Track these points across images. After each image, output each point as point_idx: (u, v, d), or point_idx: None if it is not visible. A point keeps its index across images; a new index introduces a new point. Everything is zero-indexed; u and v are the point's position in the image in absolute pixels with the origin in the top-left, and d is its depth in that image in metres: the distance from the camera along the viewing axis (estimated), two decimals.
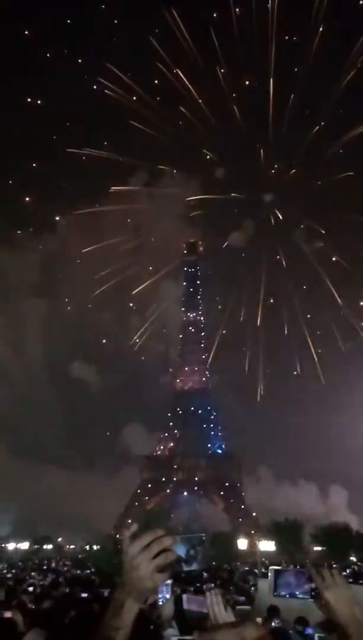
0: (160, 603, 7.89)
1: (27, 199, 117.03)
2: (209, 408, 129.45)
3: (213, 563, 48.23)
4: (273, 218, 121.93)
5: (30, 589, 17.38)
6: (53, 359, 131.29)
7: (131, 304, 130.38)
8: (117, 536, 69.16)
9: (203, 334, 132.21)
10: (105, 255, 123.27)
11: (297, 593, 4.98)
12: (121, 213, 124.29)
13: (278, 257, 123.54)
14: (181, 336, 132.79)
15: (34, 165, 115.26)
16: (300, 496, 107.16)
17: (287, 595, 5.03)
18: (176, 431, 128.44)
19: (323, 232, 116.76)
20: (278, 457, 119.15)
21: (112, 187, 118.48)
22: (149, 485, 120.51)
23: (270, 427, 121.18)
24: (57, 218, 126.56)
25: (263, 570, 32.70)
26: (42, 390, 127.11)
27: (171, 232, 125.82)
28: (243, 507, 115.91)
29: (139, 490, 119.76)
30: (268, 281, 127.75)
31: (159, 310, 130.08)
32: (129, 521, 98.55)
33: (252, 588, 15.50)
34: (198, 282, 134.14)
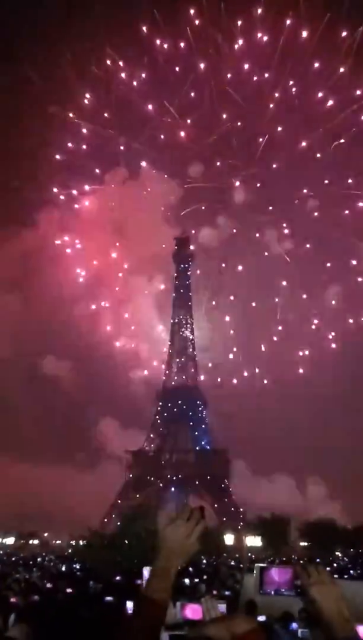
0: None
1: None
2: (197, 403, 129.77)
3: (202, 558, 48.52)
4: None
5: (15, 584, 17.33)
6: (25, 354, 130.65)
7: (104, 302, 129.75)
8: (104, 529, 69.20)
9: (192, 329, 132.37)
10: (84, 249, 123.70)
11: (283, 590, 5.00)
12: (100, 209, 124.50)
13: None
14: (170, 332, 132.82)
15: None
16: (278, 490, 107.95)
17: (272, 592, 5.05)
18: (163, 427, 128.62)
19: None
20: (251, 451, 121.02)
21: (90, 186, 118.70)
22: (137, 481, 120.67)
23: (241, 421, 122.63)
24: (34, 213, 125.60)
25: (248, 565, 32.97)
26: (14, 387, 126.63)
27: (150, 228, 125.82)
28: (230, 502, 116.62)
29: (126, 486, 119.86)
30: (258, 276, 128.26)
31: (133, 306, 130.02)
32: (116, 515, 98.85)
33: (237, 585, 15.60)
34: (189, 278, 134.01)
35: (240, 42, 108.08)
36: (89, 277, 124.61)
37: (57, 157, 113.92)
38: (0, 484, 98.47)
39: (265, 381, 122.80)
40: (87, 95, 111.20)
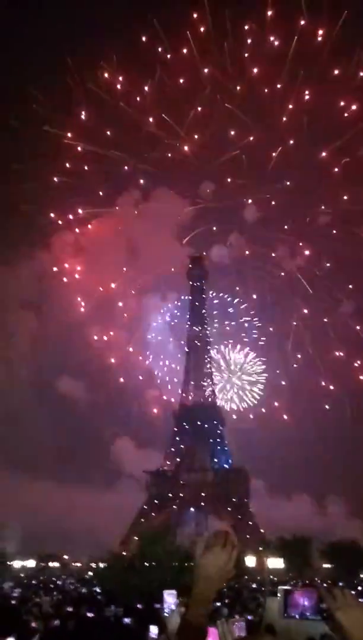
0: (165, 614, 7.69)
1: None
2: (215, 422, 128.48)
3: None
4: None
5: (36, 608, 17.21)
6: (41, 374, 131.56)
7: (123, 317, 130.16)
8: (123, 553, 68.26)
9: (208, 347, 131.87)
10: (96, 271, 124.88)
11: (308, 614, 4.88)
12: (113, 229, 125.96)
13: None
14: (186, 350, 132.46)
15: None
16: (296, 509, 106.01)
17: (297, 616, 4.93)
18: (180, 446, 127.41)
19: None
20: (269, 471, 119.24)
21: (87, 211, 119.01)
22: (155, 501, 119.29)
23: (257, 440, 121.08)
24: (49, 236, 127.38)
25: (270, 588, 32.21)
26: (31, 407, 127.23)
27: (162, 248, 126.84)
28: (250, 523, 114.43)
29: (145, 506, 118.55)
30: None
31: (145, 325, 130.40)
32: (135, 536, 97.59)
33: (260, 609, 15.25)
34: (204, 295, 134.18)
35: (248, 49, 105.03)
36: (101, 297, 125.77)
37: (55, 179, 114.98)
38: (19, 505, 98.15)
39: (285, 416, 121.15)
40: (83, 114, 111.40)
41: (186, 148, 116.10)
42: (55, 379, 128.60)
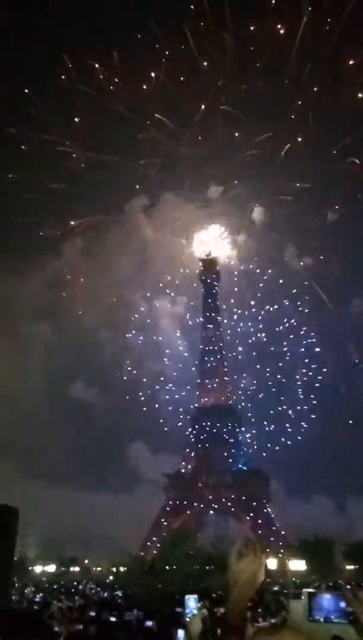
0: (188, 618, 7.67)
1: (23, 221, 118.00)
2: (232, 423, 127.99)
3: None
4: None
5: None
6: (56, 382, 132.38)
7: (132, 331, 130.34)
8: (144, 556, 68.38)
9: (223, 349, 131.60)
10: (107, 277, 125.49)
11: (333, 617, 4.79)
12: (122, 235, 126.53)
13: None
14: (201, 352, 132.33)
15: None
16: (316, 511, 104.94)
17: (322, 620, 4.84)
18: (198, 449, 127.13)
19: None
20: (286, 472, 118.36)
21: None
22: (175, 505, 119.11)
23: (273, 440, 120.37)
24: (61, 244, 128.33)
25: (293, 590, 31.90)
26: (45, 413, 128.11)
27: (171, 252, 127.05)
28: (270, 524, 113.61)
29: (164, 510, 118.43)
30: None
31: (157, 330, 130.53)
32: (155, 540, 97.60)
33: (283, 612, 15.10)
34: (217, 297, 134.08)
35: (253, 39, 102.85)
36: (114, 302, 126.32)
37: (55, 185, 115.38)
38: (38, 511, 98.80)
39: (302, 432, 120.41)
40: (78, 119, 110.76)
41: (188, 149, 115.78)
42: (70, 386, 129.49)
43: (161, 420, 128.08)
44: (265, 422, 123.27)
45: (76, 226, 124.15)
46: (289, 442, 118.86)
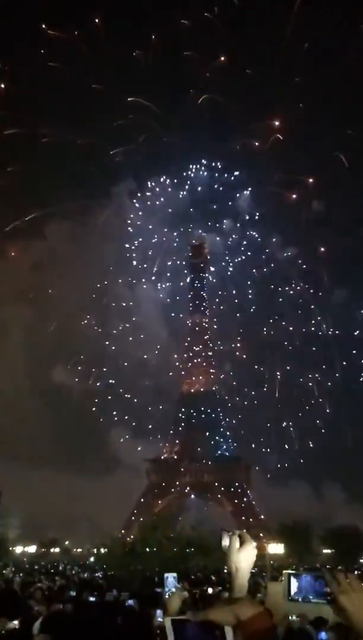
0: (167, 595, 7.80)
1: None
2: (216, 409, 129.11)
3: (224, 567, 48.04)
4: None
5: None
6: (36, 364, 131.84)
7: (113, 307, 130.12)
8: (125, 537, 69.03)
9: (208, 336, 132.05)
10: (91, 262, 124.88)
11: (311, 597, 4.89)
12: (108, 219, 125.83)
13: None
14: (188, 338, 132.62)
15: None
16: (294, 496, 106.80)
17: (300, 600, 4.94)
18: (180, 434, 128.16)
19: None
20: (265, 457, 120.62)
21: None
22: (156, 488, 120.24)
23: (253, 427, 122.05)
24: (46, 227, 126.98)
25: (272, 573, 32.53)
26: (25, 396, 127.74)
27: (157, 237, 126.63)
28: (250, 509, 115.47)
29: (146, 494, 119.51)
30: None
31: (140, 314, 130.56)
32: (137, 523, 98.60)
33: (259, 594, 15.39)
34: (204, 283, 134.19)
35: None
36: (96, 287, 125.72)
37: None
38: (19, 493, 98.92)
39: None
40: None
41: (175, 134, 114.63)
42: (50, 369, 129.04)
43: (144, 406, 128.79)
44: (246, 407, 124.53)
45: (60, 209, 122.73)
46: (269, 425, 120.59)
